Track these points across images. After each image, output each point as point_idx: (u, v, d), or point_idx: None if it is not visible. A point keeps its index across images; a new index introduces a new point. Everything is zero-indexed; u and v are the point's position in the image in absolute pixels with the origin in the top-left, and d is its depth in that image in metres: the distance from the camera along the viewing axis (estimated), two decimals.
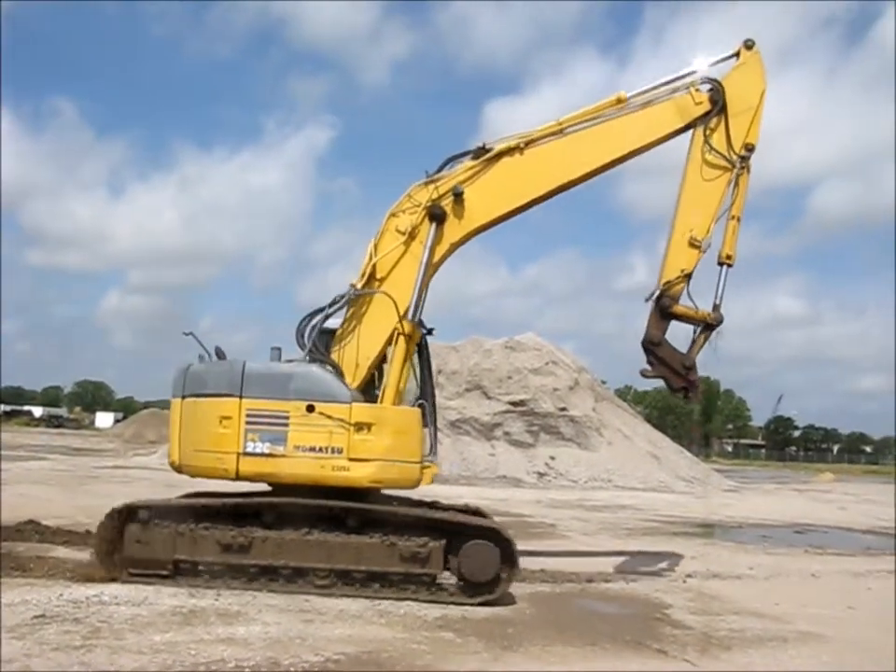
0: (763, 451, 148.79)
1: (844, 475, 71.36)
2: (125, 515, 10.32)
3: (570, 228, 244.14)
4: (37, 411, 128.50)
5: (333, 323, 11.37)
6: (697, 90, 12.20)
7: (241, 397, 10.62)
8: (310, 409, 10.57)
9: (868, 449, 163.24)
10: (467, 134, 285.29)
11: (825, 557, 16.56)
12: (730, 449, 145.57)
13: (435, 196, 11.43)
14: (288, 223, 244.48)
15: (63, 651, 7.28)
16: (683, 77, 12.23)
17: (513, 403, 41.69)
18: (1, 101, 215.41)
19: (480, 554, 10.27)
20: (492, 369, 43.11)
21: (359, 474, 10.54)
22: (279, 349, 11.44)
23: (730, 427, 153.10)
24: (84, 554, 11.74)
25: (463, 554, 10.27)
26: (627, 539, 17.99)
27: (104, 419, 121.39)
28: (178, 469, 11.15)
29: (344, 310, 11.38)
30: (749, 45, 12.32)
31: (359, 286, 11.28)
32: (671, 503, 29.17)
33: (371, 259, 11.32)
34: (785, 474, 71.11)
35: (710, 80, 12.24)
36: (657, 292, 12.04)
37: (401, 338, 11.21)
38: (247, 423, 10.56)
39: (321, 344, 11.16)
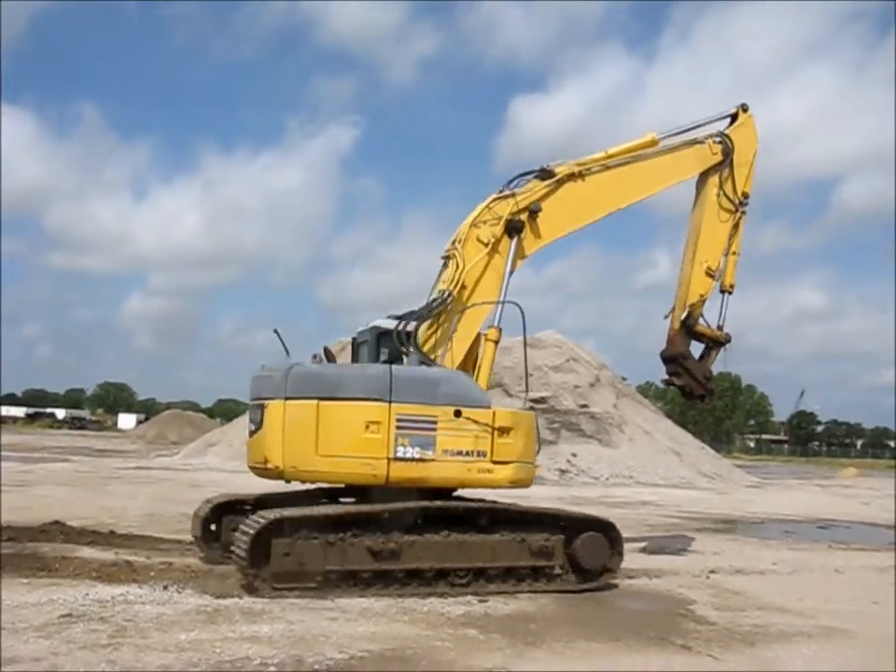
0: (786, 446, 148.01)
1: (868, 470, 70.91)
2: (271, 530, 9.88)
3: (591, 226, 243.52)
4: (60, 413, 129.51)
5: (387, 323, 11.80)
6: (713, 142, 14.43)
7: (390, 402, 10.62)
8: (457, 414, 10.87)
9: (892, 444, 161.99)
10: (491, 133, 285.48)
11: (848, 552, 16.48)
12: (752, 445, 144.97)
13: (514, 210, 12.32)
14: (310, 224, 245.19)
15: (90, 650, 7.34)
16: (700, 125, 14.48)
17: (534, 401, 41.62)
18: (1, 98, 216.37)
19: (593, 545, 11.11)
20: (512, 366, 43.02)
21: (501, 476, 11.10)
22: (321, 354, 11.56)
23: (752, 422, 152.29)
24: (109, 554, 11.86)
25: (578, 546, 11.01)
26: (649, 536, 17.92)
27: (126, 420, 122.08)
28: (280, 473, 10.82)
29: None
30: (744, 108, 14.90)
31: (451, 292, 11.79)
32: (693, 499, 29.09)
33: (458, 268, 11.91)
34: (808, 469, 70.82)
35: (722, 135, 14.56)
36: (684, 313, 14.33)
37: (489, 343, 12.01)
38: (398, 428, 10.62)
39: (399, 343, 11.42)
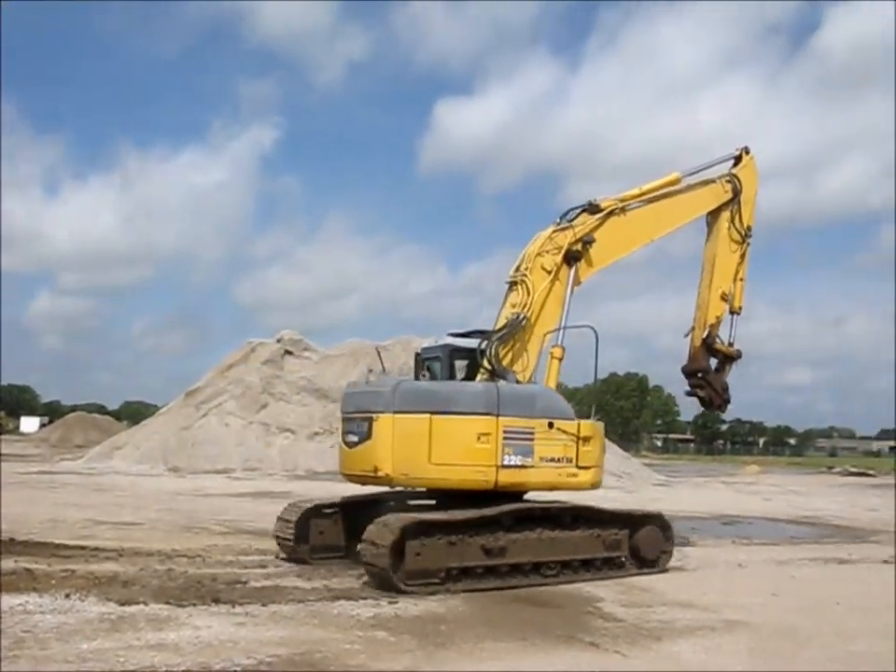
0: (692, 445, 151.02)
1: (769, 467, 72.76)
2: (404, 532, 10.90)
3: (512, 228, 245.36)
4: None
5: (460, 342, 13.52)
6: (725, 181, 16.08)
7: (498, 416, 11.83)
8: (550, 425, 12.33)
9: (792, 441, 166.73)
10: (415, 136, 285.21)
11: (751, 547, 16.92)
12: (659, 444, 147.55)
13: (573, 241, 13.68)
14: (229, 223, 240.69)
15: None
16: (711, 165, 16.21)
17: None
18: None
19: (651, 537, 13.14)
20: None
21: (585, 479, 12.70)
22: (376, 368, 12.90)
23: (659, 422, 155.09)
24: (8, 562, 11.52)
25: (639, 538, 12.98)
26: None
27: (29, 424, 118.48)
28: (390, 480, 12.04)
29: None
30: (746, 150, 16.64)
31: (525, 315, 13.13)
32: (601, 498, 29.30)
33: (528, 293, 13.25)
34: (713, 467, 72.24)
35: (732, 176, 16.18)
36: (705, 333, 16.18)
37: (554, 360, 13.34)
38: (504, 439, 11.87)
39: (489, 362, 12.79)
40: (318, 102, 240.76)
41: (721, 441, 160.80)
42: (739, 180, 16.24)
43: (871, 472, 60.93)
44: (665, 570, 13.24)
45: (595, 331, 13.00)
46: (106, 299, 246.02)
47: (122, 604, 9.46)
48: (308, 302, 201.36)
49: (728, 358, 16.59)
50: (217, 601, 9.86)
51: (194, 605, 9.64)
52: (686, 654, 8.37)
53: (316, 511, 13.38)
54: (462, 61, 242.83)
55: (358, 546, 11.32)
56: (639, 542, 13.00)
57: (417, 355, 14.17)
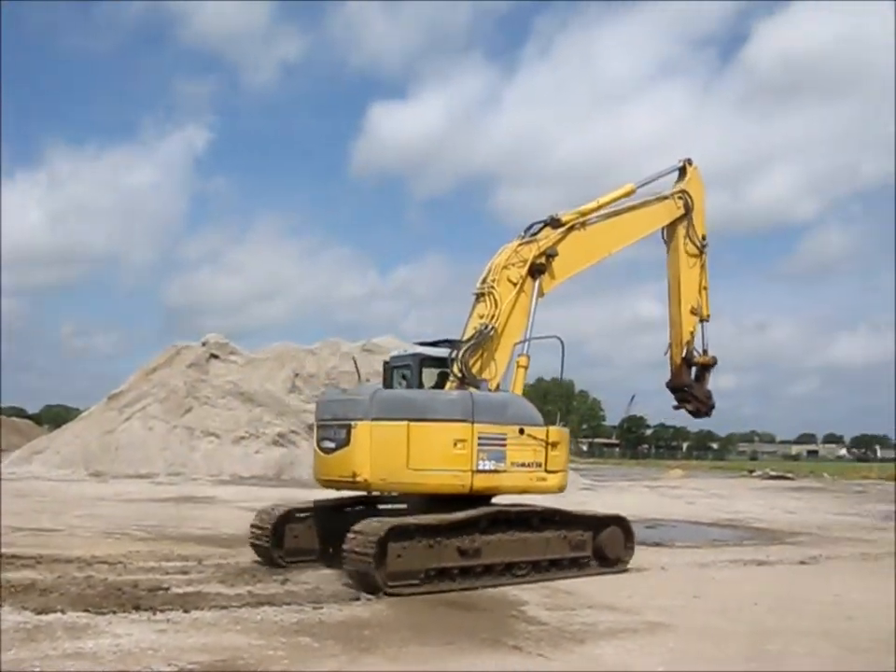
0: (617, 449, 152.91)
1: (692, 471, 73.86)
2: (387, 535, 11.22)
3: (442, 231, 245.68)
4: None
5: (431, 351, 13.87)
6: (677, 198, 16.80)
7: (473, 422, 12.29)
8: (521, 431, 12.85)
9: (715, 445, 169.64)
10: (348, 139, 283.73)
11: (674, 550, 17.15)
12: (585, 448, 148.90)
13: (537, 254, 14.14)
14: (160, 224, 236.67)
15: None
16: (658, 178, 16.87)
17: None
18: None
19: (613, 538, 13.76)
20: (349, 372, 42.99)
21: (553, 483, 13.38)
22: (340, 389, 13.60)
23: (585, 426, 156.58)
24: None
25: (602, 539, 13.60)
26: None
27: None
28: (368, 485, 12.61)
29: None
30: (689, 161, 17.26)
31: (493, 326, 13.53)
32: (528, 501, 29.55)
33: (496, 305, 13.69)
34: (637, 471, 73.17)
35: (684, 193, 16.89)
36: (684, 350, 17.11)
37: (520, 368, 13.79)
38: (479, 444, 12.36)
39: (460, 371, 13.12)
40: (252, 103, 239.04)
41: (646, 446, 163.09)
42: (690, 196, 16.97)
43: (790, 476, 62.19)
44: (625, 570, 13.85)
45: (562, 341, 13.76)
46: (33, 299, 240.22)
47: (39, 612, 9.26)
48: (237, 305, 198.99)
49: (706, 367, 17.52)
50: (137, 608, 9.70)
51: (114, 612, 9.47)
52: (608, 656, 8.45)
53: (291, 516, 13.68)
54: (397, 64, 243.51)
55: (343, 547, 11.49)
56: (602, 543, 13.63)
57: (386, 363, 14.58)
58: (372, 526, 11.37)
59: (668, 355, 17.48)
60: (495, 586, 12.01)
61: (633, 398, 48.18)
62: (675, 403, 17.80)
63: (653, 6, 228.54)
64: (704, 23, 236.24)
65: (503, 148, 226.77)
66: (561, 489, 13.66)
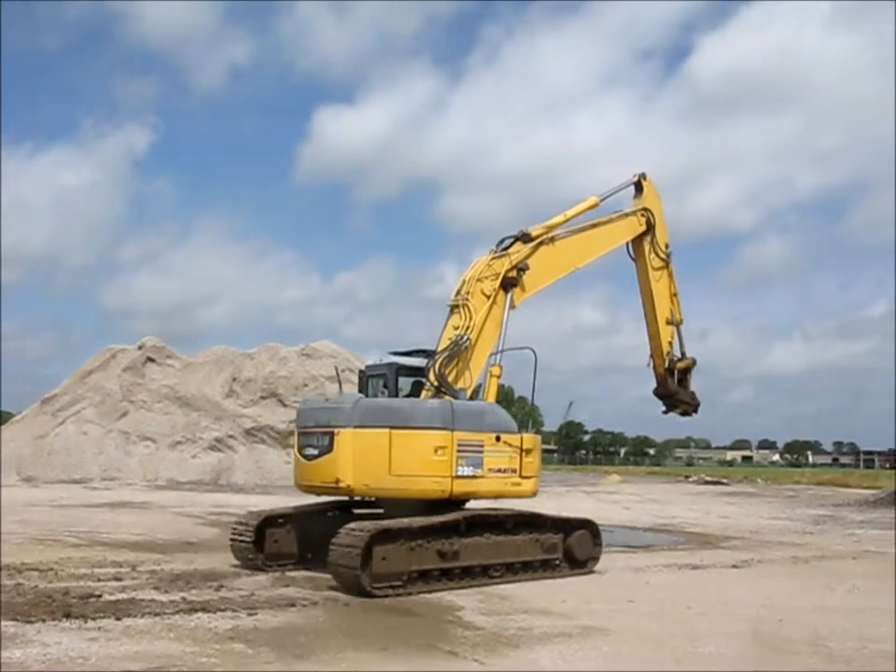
0: (556, 455, 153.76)
1: (629, 476, 74.66)
2: (372, 538, 11.59)
3: (387, 236, 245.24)
4: None
5: (407, 361, 14.61)
6: (640, 215, 17.53)
7: (453, 430, 12.81)
8: (497, 439, 13.39)
9: (651, 451, 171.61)
10: (294, 143, 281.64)
11: (610, 555, 17.20)
12: None
13: (509, 267, 14.67)
14: (98, 225, 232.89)
15: None
16: (615, 192, 17.55)
17: None
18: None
19: (582, 541, 14.35)
20: (288, 376, 42.79)
21: (527, 488, 13.92)
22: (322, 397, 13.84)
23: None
24: None
25: (572, 542, 14.18)
26: None
27: None
28: (351, 491, 13.10)
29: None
30: (644, 176, 17.83)
31: (468, 336, 14.06)
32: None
33: (470, 316, 14.20)
34: (575, 477, 73.62)
35: (646, 211, 17.62)
36: (666, 361, 18.21)
37: (493, 378, 14.39)
38: (458, 451, 12.85)
39: (436, 380, 13.74)
40: (197, 105, 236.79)
41: (584, 451, 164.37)
42: (651, 212, 17.72)
43: (724, 481, 63.10)
44: (592, 571, 14.46)
45: (535, 352, 14.51)
46: None
47: None
48: (177, 309, 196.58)
49: (687, 370, 18.81)
50: (68, 616, 9.53)
51: (43, 620, 9.30)
52: (543, 661, 8.49)
53: (271, 521, 14.00)
54: (346, 68, 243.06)
55: (330, 551, 11.81)
56: (572, 546, 14.19)
57: (361, 371, 15.15)
58: (358, 530, 11.74)
59: (651, 366, 18.52)
60: (471, 587, 12.50)
61: (571, 403, 48.88)
62: (664, 409, 19.13)
63: (599, 17, 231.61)
64: (648, 35, 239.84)
65: (449, 154, 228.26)
66: (534, 494, 14.14)
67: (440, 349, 14.06)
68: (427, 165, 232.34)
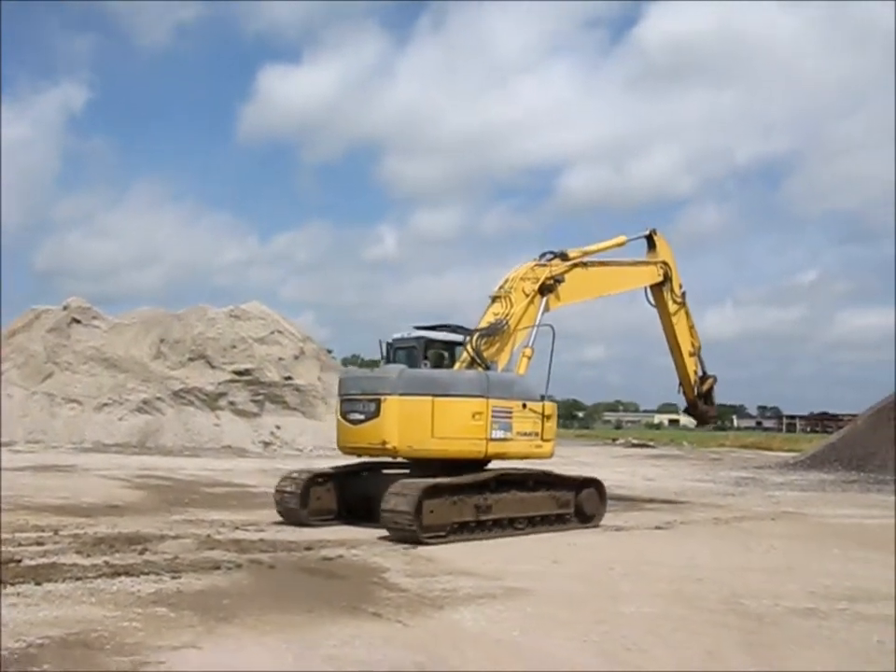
0: None
1: (558, 439, 75.45)
2: (423, 493, 13.30)
3: (329, 199, 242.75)
4: None
5: (435, 335, 16.14)
6: (659, 267, 20.58)
7: (488, 398, 14.69)
8: (524, 406, 15.33)
9: (580, 414, 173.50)
10: (238, 104, 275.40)
11: None
12: None
13: (548, 275, 17.08)
14: (30, 182, 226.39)
15: None
16: (629, 240, 20.29)
17: (238, 373, 41.19)
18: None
19: (591, 497, 16.31)
20: (216, 338, 42.34)
21: (547, 450, 16.07)
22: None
23: None
24: None
25: (582, 498, 16.08)
26: None
27: None
28: (396, 452, 14.66)
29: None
30: (654, 231, 20.68)
31: (507, 322, 16.21)
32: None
33: (510, 307, 16.48)
34: None
35: (664, 265, 20.67)
36: (694, 388, 22.19)
37: (525, 358, 16.32)
38: (492, 417, 14.73)
39: (475, 356, 15.68)
40: (139, 62, 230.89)
41: None
42: (669, 266, 20.72)
43: (651, 444, 64.38)
44: (598, 525, 16.18)
45: (553, 329, 16.13)
46: None
47: None
48: (111, 270, 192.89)
49: (711, 388, 22.57)
50: None
51: None
52: (467, 622, 8.58)
53: (314, 481, 15.51)
54: (295, 30, 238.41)
55: (383, 506, 13.42)
56: (582, 502, 16.04)
57: (389, 343, 16.35)
58: (410, 486, 13.46)
59: (681, 392, 22.42)
60: (502, 537, 14.24)
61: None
62: (695, 423, 25.63)
63: None
64: (594, 5, 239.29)
65: (394, 118, 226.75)
66: (551, 455, 16.29)
67: (479, 328, 16.07)
68: (372, 128, 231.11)
